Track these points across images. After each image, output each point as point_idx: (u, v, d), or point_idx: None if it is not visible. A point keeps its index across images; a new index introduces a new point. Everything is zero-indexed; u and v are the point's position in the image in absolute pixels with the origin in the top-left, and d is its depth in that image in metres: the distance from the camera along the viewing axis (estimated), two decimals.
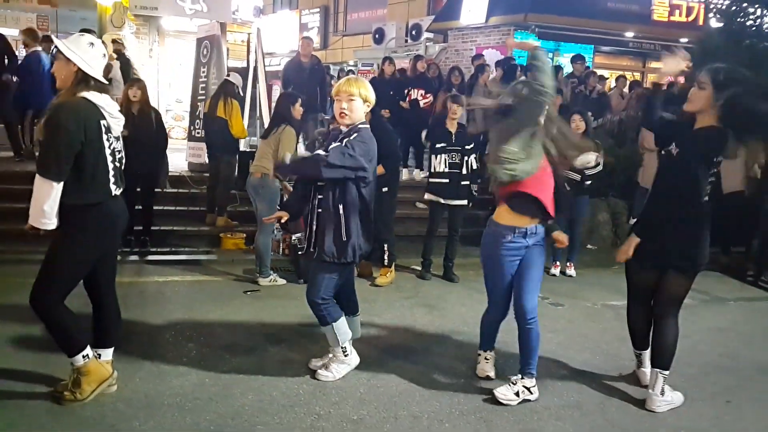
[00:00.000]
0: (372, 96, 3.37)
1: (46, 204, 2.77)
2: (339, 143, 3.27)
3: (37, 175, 2.78)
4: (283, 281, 5.36)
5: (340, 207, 3.31)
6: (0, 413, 2.91)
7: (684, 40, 12.34)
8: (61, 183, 2.79)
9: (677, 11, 12.77)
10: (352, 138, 3.27)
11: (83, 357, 2.99)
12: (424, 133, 6.78)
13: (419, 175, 8.51)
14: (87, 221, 2.92)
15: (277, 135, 5.06)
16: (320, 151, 3.34)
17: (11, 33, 10.49)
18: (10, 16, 10.72)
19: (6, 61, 7.81)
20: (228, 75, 6.91)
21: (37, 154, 2.90)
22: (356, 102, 3.30)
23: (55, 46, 2.91)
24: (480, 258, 3.51)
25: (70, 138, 2.79)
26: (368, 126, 3.43)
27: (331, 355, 3.57)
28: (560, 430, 3.11)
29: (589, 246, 6.87)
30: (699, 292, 5.88)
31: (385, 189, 5.20)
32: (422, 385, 3.50)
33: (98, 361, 3.08)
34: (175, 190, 7.33)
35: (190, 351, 3.82)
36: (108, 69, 8.09)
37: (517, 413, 3.24)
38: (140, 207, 6.18)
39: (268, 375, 3.52)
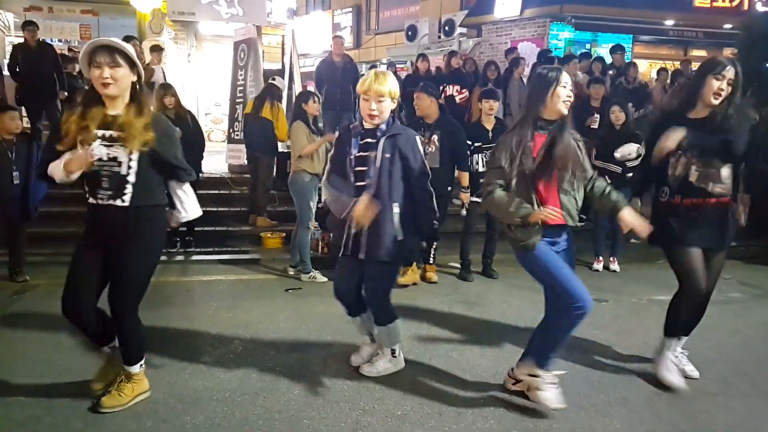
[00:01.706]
0: (398, 91, 3.22)
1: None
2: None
3: (186, 183, 3.01)
4: (324, 279, 5.42)
5: (396, 206, 3.22)
6: (53, 412, 3.00)
7: (728, 26, 11.98)
8: None
9: None
10: (417, 146, 3.26)
11: (140, 366, 3.06)
12: None
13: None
14: (162, 220, 3.02)
15: (292, 131, 5.41)
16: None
17: (57, 44, 10.87)
18: (55, 27, 11.09)
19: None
20: (273, 79, 7.01)
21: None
22: (386, 102, 3.16)
23: (116, 49, 2.73)
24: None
25: None
26: (405, 126, 3.36)
27: (379, 353, 3.57)
28: (608, 427, 3.06)
29: (632, 240, 6.71)
30: (751, 286, 5.72)
31: (450, 188, 5.29)
32: (466, 381, 3.49)
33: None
34: (217, 192, 7.48)
35: (236, 347, 3.90)
36: (150, 73, 8.36)
37: (563, 409, 3.19)
38: None
39: (312, 371, 3.56)
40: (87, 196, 2.86)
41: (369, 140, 3.23)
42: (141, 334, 3.03)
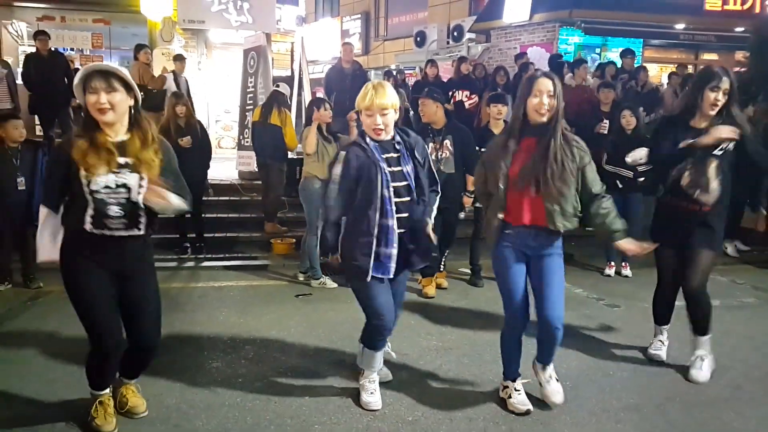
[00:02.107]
0: (398, 101, 3.08)
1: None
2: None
3: (184, 205, 2.78)
4: (334, 285, 5.43)
5: (428, 219, 3.18)
6: (67, 416, 3.03)
7: (739, 29, 11.92)
8: None
9: (731, 0, 12.30)
10: (427, 150, 3.21)
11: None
12: None
13: None
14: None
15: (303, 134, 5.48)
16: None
17: (70, 53, 10.99)
18: (67, 36, 11.20)
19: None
20: (277, 85, 7.05)
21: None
22: (390, 115, 3.00)
23: (112, 74, 2.59)
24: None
25: None
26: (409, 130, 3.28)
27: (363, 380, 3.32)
28: None
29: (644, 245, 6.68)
30: (764, 291, 5.66)
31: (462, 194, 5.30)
32: (477, 387, 3.49)
33: None
34: (227, 198, 7.52)
35: (247, 353, 3.92)
36: (162, 81, 8.44)
37: (575, 415, 3.19)
38: (189, 215, 6.38)
39: (323, 376, 3.57)
40: (88, 226, 2.61)
41: (392, 155, 3.05)
42: None
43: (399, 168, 3.03)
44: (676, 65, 11.27)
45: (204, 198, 6.69)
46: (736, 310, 4.96)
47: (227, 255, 6.51)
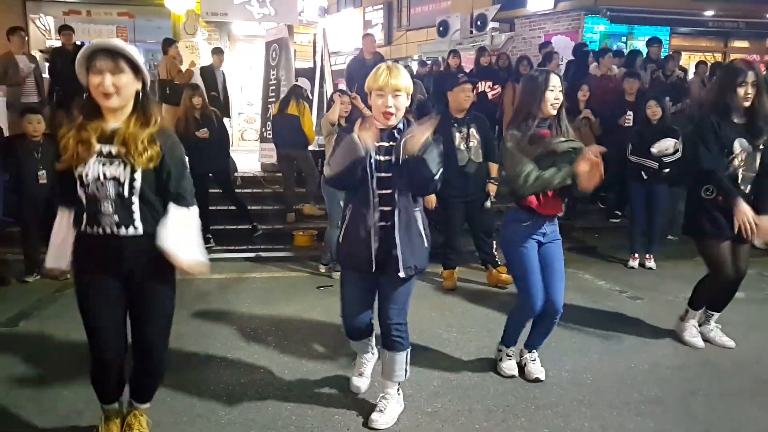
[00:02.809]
0: (412, 86, 2.83)
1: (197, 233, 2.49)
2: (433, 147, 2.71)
3: (189, 209, 2.46)
4: None
5: (417, 213, 2.88)
6: (94, 407, 3.11)
7: None
8: None
9: None
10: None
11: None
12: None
13: None
14: None
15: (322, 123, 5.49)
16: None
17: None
18: (93, 30, 11.37)
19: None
20: (297, 80, 7.10)
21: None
22: (402, 98, 2.75)
23: (119, 53, 2.32)
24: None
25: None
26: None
27: (386, 394, 3.06)
28: (641, 427, 3.02)
29: (669, 237, 6.58)
30: None
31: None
32: (496, 379, 3.49)
33: None
34: (250, 190, 7.60)
35: (269, 344, 3.97)
36: (189, 75, 8.54)
37: (595, 408, 3.17)
38: (213, 207, 6.45)
39: (343, 367, 3.60)
40: (84, 227, 2.39)
41: (386, 143, 2.79)
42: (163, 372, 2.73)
43: (389, 158, 2.78)
44: (704, 53, 11.03)
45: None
46: (762, 303, 4.87)
47: (250, 246, 6.59)
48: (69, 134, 2.35)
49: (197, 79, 8.49)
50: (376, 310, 3.00)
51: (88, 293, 2.47)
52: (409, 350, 2.99)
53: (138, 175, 2.35)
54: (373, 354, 3.36)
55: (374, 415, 2.98)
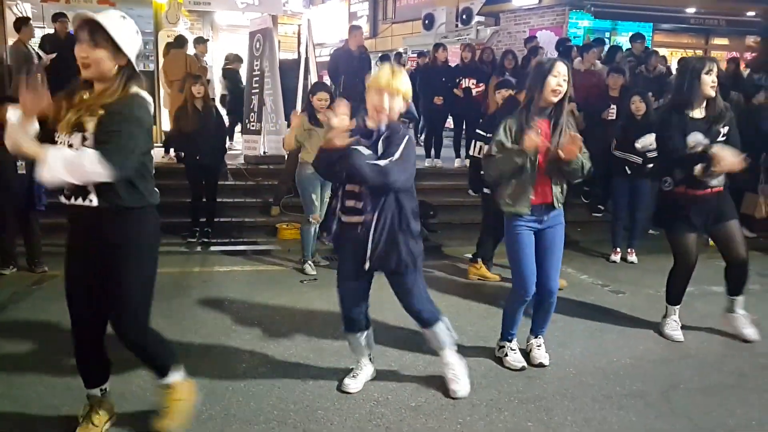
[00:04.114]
0: (410, 92, 2.94)
1: (80, 178, 2.21)
2: (393, 161, 2.78)
3: (97, 153, 2.19)
4: (314, 272, 5.43)
5: (407, 210, 2.94)
6: (73, 401, 3.05)
7: (751, 14, 11.74)
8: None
9: None
10: (403, 143, 2.84)
11: (177, 375, 2.74)
12: None
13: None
14: (152, 223, 2.53)
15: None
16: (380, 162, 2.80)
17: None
18: (71, 17, 11.17)
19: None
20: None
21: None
22: (398, 101, 2.86)
23: (94, 25, 2.29)
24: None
25: (149, 136, 2.43)
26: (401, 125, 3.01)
27: (450, 362, 3.24)
28: (623, 420, 3.04)
29: (651, 231, 6.63)
30: None
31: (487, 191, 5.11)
32: (480, 373, 3.48)
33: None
34: (233, 183, 7.52)
35: (252, 338, 3.93)
36: (205, 71, 8.44)
37: (577, 402, 3.19)
38: (205, 199, 6.38)
39: (327, 362, 3.58)
40: (58, 194, 2.40)
41: (367, 141, 2.85)
42: (164, 348, 2.70)
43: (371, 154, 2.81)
44: (686, 50, 11.14)
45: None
46: (754, 295, 4.93)
47: (234, 239, 6.53)
48: (59, 98, 2.39)
49: (212, 75, 8.55)
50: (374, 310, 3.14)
51: (69, 272, 2.55)
52: (442, 319, 3.19)
53: (90, 144, 2.25)
54: (371, 362, 3.37)
55: (453, 386, 3.20)
